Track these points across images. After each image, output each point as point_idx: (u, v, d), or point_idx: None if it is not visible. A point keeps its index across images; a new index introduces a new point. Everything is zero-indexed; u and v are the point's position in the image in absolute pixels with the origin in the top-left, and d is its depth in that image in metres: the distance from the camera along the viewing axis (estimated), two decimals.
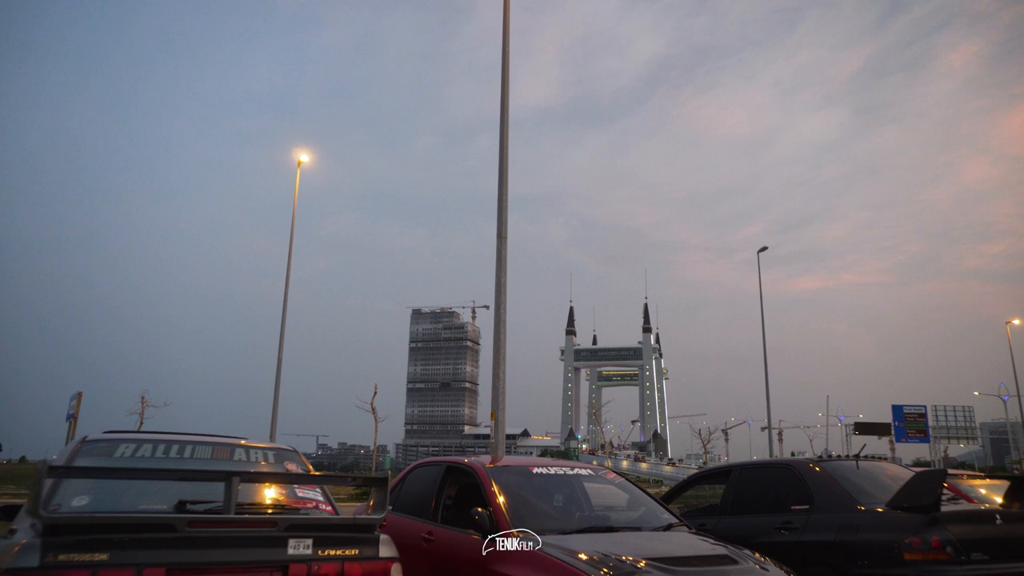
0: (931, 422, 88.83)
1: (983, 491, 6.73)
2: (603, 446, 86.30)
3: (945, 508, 4.96)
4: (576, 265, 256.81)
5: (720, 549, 4.29)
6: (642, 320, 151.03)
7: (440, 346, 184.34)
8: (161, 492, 3.26)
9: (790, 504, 5.66)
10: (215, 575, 2.74)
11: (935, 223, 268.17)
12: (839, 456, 6.46)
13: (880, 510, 5.08)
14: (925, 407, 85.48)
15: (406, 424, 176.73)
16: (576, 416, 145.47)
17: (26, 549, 2.50)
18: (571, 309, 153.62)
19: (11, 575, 2.45)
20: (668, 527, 4.82)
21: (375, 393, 33.03)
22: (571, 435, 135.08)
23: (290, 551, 2.88)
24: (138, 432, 4.01)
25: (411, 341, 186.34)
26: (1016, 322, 47.58)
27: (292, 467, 3.85)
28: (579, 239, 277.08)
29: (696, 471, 10.07)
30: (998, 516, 5.18)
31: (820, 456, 7.09)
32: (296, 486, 3.63)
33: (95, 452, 3.47)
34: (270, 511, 3.33)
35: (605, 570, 3.68)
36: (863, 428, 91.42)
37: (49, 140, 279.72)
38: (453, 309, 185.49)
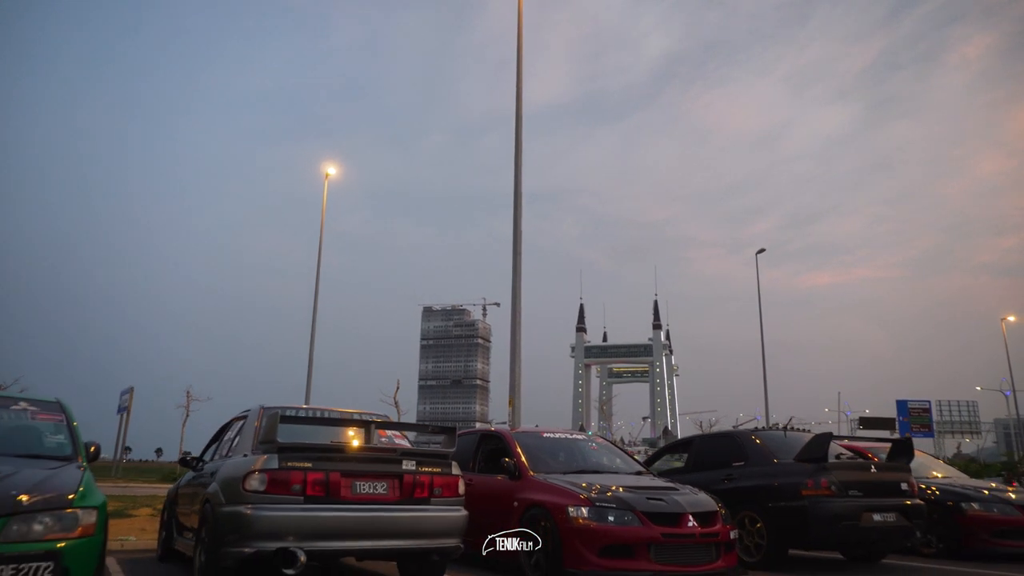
0: (935, 417, 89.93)
1: (880, 451, 8.73)
2: (612, 443, 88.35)
3: (833, 460, 7.02)
4: (586, 262, 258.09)
5: (669, 484, 6.38)
6: (652, 317, 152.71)
7: (451, 343, 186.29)
8: (316, 434, 5.37)
9: (732, 462, 7.72)
10: (364, 479, 4.82)
11: (948, 217, 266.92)
12: (776, 427, 8.52)
13: (789, 462, 7.14)
14: (929, 402, 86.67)
15: (418, 421, 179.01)
16: (587, 413, 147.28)
17: (270, 459, 4.61)
18: (581, 306, 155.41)
19: (263, 472, 4.55)
20: (638, 473, 6.92)
21: (397, 388, 35.30)
22: (581, 431, 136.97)
23: (403, 467, 4.97)
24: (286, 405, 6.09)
25: (422, 338, 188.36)
26: (1011, 318, 49.11)
27: None
28: (589, 236, 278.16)
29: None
30: (873, 466, 7.24)
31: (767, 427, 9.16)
32: (392, 433, 5.75)
33: (274, 413, 5.57)
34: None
35: (593, 492, 5.76)
36: (867, 423, 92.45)
37: (60, 138, 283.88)
38: (464, 306, 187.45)
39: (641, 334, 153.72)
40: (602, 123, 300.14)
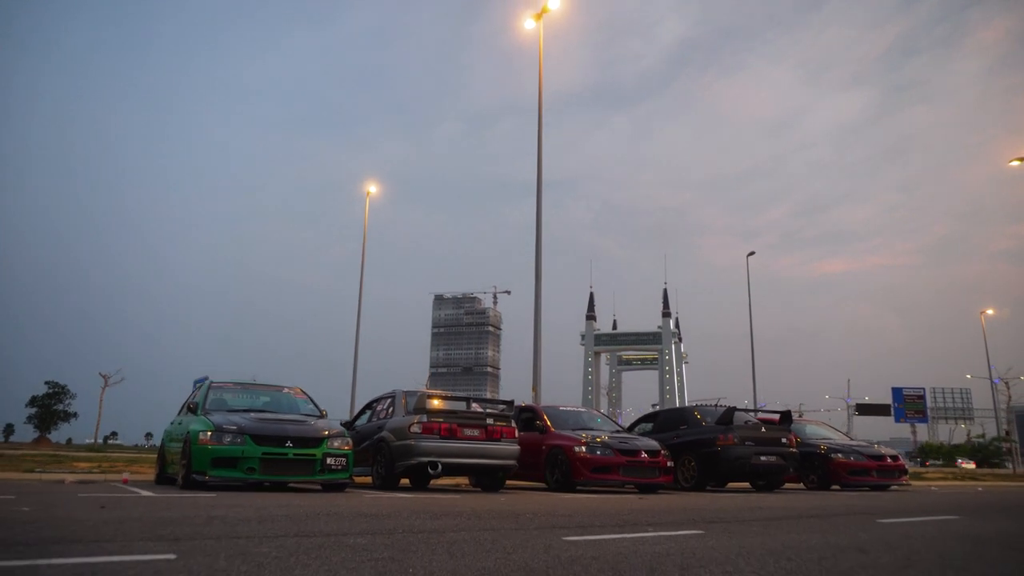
0: (930, 403, 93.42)
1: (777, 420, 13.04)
2: (605, 415, 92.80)
3: (740, 423, 11.38)
4: (598, 249, 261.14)
5: (634, 436, 10.82)
6: (662, 305, 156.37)
7: (462, 331, 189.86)
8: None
9: (680, 426, 12.10)
10: (469, 427, 9.18)
11: (964, 204, 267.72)
12: (713, 404, 12.90)
13: (712, 425, 11.50)
14: (923, 389, 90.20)
15: None
16: (596, 400, 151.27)
17: (421, 416, 9.01)
18: (591, 294, 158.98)
19: (419, 423, 8.94)
20: (617, 430, 11.36)
21: (429, 375, 39.59)
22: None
23: (487, 421, 9.37)
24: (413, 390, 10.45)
25: (433, 326, 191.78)
26: (990, 312, 52.81)
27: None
28: (601, 223, 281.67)
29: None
30: (763, 427, 11.62)
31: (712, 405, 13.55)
32: (476, 404, 10.13)
33: (413, 395, 9.92)
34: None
35: (589, 438, 10.15)
36: (864, 409, 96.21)
37: (70, 132, 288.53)
38: (475, 295, 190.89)
39: (651, 322, 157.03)
40: (615, 110, 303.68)
